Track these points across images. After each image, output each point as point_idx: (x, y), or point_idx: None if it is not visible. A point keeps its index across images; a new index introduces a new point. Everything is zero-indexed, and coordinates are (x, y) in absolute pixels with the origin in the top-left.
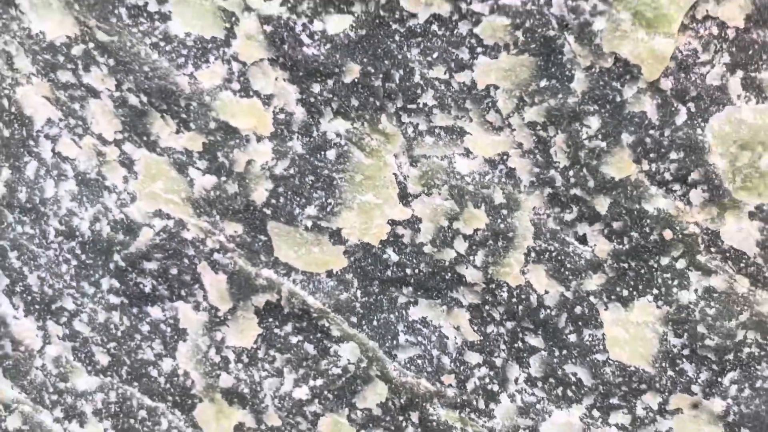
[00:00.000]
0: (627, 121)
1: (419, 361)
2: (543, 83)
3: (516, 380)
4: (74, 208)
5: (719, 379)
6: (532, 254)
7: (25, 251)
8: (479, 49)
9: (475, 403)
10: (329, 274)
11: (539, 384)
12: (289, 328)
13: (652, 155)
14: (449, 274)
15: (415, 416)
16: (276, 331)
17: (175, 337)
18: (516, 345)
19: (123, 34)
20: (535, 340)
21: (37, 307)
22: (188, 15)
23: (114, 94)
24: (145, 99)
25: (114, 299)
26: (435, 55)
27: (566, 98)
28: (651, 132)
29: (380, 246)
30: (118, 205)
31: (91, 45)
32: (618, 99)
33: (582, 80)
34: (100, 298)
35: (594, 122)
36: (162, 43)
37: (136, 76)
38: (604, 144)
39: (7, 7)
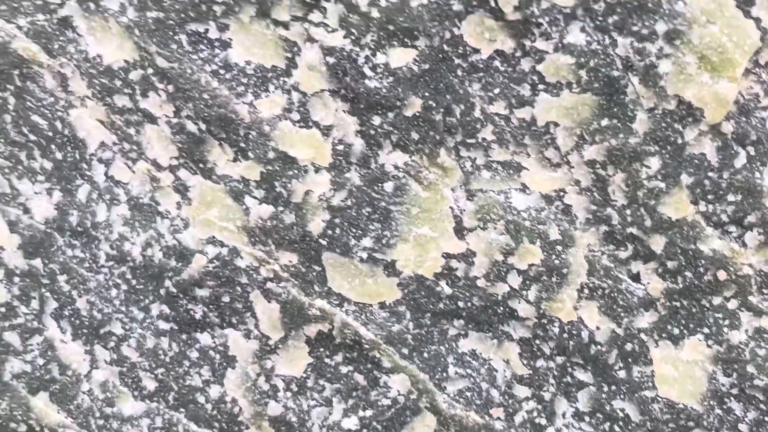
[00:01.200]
0: (687, 162)
1: (468, 394)
2: (604, 122)
3: (564, 414)
4: (126, 232)
5: (767, 419)
6: (585, 290)
7: (74, 275)
8: (541, 86)
9: None
10: (382, 305)
11: (587, 419)
12: (339, 358)
13: (710, 197)
14: (501, 308)
15: None
16: (326, 360)
17: (224, 364)
18: (565, 379)
19: (183, 60)
20: (584, 375)
21: (85, 331)
22: (249, 43)
23: (172, 120)
24: (203, 126)
25: (163, 325)
26: (496, 91)
27: (627, 138)
28: (710, 174)
29: (434, 278)
30: (170, 231)
31: (150, 71)
32: (679, 141)
33: (644, 121)
34: (149, 324)
35: (654, 163)
36: (222, 71)
37: (196, 103)
38: (663, 184)
39: (65, 29)
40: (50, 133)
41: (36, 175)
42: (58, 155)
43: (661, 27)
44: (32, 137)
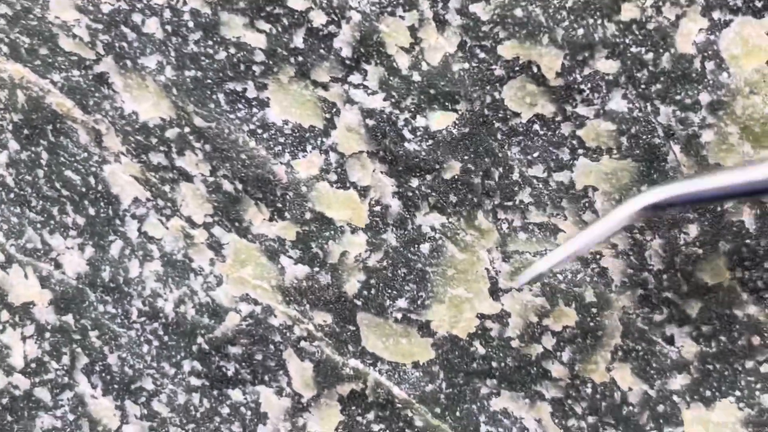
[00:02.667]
0: (725, 229)
1: None
2: (644, 189)
3: None
4: (159, 289)
5: None
6: (619, 352)
7: (106, 331)
8: (580, 151)
9: None
10: (415, 364)
11: None
12: (371, 416)
13: (746, 263)
14: (535, 369)
15: None
16: (358, 419)
17: (255, 420)
18: None
19: (221, 120)
20: None
21: (116, 386)
22: (287, 103)
23: (208, 179)
24: (240, 186)
25: (195, 381)
26: (535, 154)
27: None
28: (747, 241)
29: (468, 339)
30: (204, 288)
31: (187, 129)
32: (719, 208)
33: None
34: (180, 380)
35: (693, 230)
36: (260, 131)
37: (233, 163)
38: (701, 251)
39: (100, 85)
40: (83, 189)
41: (68, 230)
42: (91, 211)
43: (704, 97)
44: (65, 192)
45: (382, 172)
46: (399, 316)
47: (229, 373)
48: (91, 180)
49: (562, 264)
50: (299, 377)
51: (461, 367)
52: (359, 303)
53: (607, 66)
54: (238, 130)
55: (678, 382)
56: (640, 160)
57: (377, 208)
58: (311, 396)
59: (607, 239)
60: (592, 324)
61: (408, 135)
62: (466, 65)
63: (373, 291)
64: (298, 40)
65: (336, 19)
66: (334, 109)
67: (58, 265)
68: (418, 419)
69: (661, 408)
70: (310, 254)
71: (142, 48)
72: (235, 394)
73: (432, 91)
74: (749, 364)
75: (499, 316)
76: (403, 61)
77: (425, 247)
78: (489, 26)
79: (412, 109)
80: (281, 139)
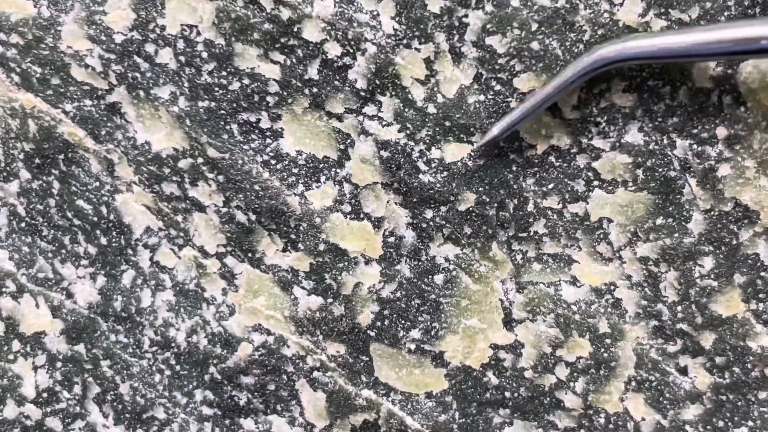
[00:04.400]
0: (740, 262)
1: None
2: (659, 221)
3: None
4: (171, 318)
5: None
6: (633, 383)
7: (118, 360)
8: (595, 183)
9: None
10: (429, 395)
11: None
12: None
13: (761, 296)
14: (548, 399)
15: None
16: None
17: None
18: None
19: (234, 151)
20: None
21: (127, 416)
22: (301, 134)
23: (221, 209)
24: (253, 217)
25: (207, 410)
26: (550, 186)
27: (682, 238)
28: (762, 273)
29: (481, 369)
30: (216, 318)
31: (201, 160)
32: (734, 241)
33: (700, 222)
34: (192, 409)
35: (708, 262)
36: (273, 161)
37: (247, 194)
38: (716, 283)
39: (113, 115)
40: (95, 218)
41: (80, 259)
42: (103, 240)
43: (721, 131)
44: (77, 222)
45: (396, 204)
46: (412, 346)
47: (242, 403)
48: (103, 209)
49: (520, 122)
50: (312, 407)
51: (474, 397)
52: (372, 334)
53: (623, 99)
54: (252, 160)
55: (691, 412)
56: (656, 193)
57: (391, 239)
58: (324, 426)
59: (562, 93)
60: (605, 354)
61: (423, 167)
62: (482, 97)
63: (386, 322)
64: (313, 72)
65: (351, 51)
66: (349, 141)
67: (69, 295)
68: None
69: None
70: (323, 285)
71: (155, 78)
72: (248, 424)
73: (447, 123)
74: (762, 394)
75: (512, 346)
76: (418, 93)
77: (439, 278)
78: (505, 59)
79: (427, 141)
80: (295, 170)
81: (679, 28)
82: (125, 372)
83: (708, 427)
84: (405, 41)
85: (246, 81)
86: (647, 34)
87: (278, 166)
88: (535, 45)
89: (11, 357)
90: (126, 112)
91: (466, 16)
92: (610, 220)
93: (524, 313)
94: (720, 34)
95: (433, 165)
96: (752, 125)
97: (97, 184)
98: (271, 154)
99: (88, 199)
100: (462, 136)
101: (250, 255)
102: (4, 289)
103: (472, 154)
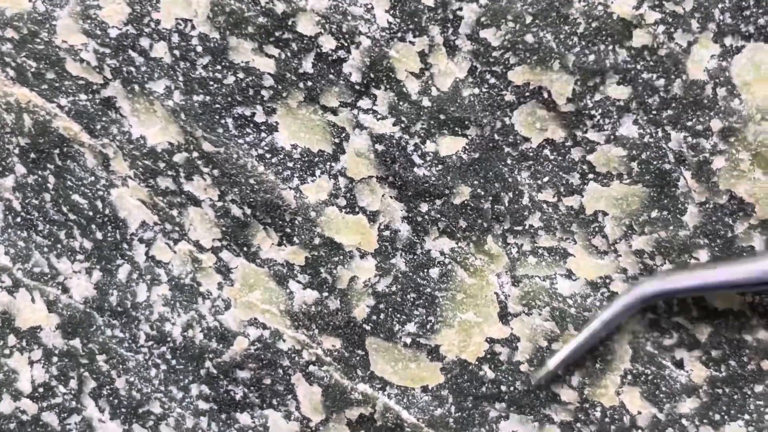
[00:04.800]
0: (736, 255)
1: None
2: (654, 214)
3: None
4: (167, 313)
5: None
6: (629, 376)
7: (113, 355)
8: (590, 176)
9: None
10: (425, 389)
11: None
12: None
13: None
14: (544, 393)
15: None
16: None
17: None
18: None
19: (229, 145)
20: None
21: (123, 410)
22: (295, 127)
23: (216, 203)
24: (248, 211)
25: (203, 405)
26: (545, 179)
27: (677, 231)
28: None
29: (477, 363)
30: (212, 312)
31: (196, 154)
32: (729, 234)
33: (695, 214)
34: (188, 403)
35: (703, 255)
36: (268, 155)
37: (242, 188)
38: None
39: (107, 109)
40: (90, 213)
41: (75, 254)
42: (98, 235)
43: (716, 124)
44: (72, 216)
45: (391, 197)
46: (408, 340)
47: (238, 397)
48: (99, 204)
49: (572, 359)
50: (308, 401)
51: (470, 391)
52: (368, 328)
53: (618, 92)
54: (247, 154)
55: (687, 405)
56: (651, 186)
57: (386, 233)
58: (320, 420)
59: (611, 329)
60: (601, 348)
61: (418, 160)
62: (477, 90)
63: (382, 316)
64: (308, 65)
65: (346, 44)
66: (343, 134)
67: (65, 289)
68: None
69: (670, 431)
70: (319, 279)
71: (150, 72)
72: (244, 418)
73: (442, 117)
74: (758, 388)
75: (508, 340)
76: (412, 87)
77: (435, 272)
78: (500, 52)
79: (422, 135)
80: (290, 164)
81: (715, 261)
82: (121, 366)
83: (704, 421)
84: (399, 34)
85: (241, 75)
86: (686, 269)
87: (273, 160)
88: (529, 38)
89: (7, 352)
90: (121, 106)
91: (461, 9)
92: (605, 213)
93: (520, 307)
94: (755, 268)
95: (428, 158)
96: (746, 118)
97: (93, 178)
98: (266, 148)
99: (83, 193)
100: (457, 129)
101: (245, 249)
102: None
103: (467, 147)
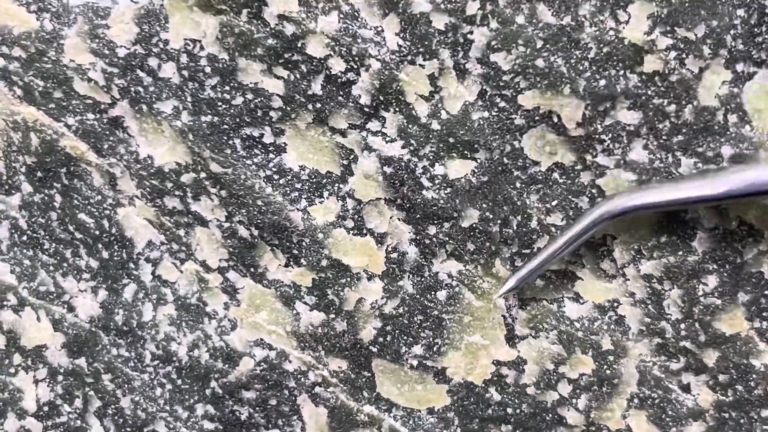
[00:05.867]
0: (744, 281)
1: None
2: (663, 239)
3: None
4: (172, 332)
5: None
6: (635, 400)
7: (119, 374)
8: (599, 200)
9: None
10: (431, 411)
11: None
12: None
13: (765, 314)
14: (550, 415)
15: None
16: None
17: None
18: None
19: (237, 166)
20: None
21: (128, 430)
22: (304, 149)
23: (223, 224)
24: (256, 233)
25: (208, 425)
26: (554, 203)
27: (686, 256)
28: (766, 292)
29: (483, 385)
30: (218, 332)
31: (203, 175)
32: (738, 260)
33: (704, 240)
34: (193, 423)
35: (712, 280)
36: (276, 176)
37: (250, 210)
38: (719, 302)
39: (115, 129)
40: (97, 232)
41: (81, 273)
42: (105, 254)
43: (726, 150)
44: (78, 235)
45: (399, 220)
46: (415, 362)
47: (243, 418)
48: (105, 223)
49: (532, 277)
50: (313, 423)
51: (476, 414)
52: (375, 349)
53: (628, 117)
54: (255, 175)
55: (694, 429)
56: (660, 211)
57: (394, 255)
58: None
59: (575, 249)
60: (608, 371)
61: (426, 183)
62: (486, 114)
63: (388, 338)
64: (317, 87)
65: (355, 66)
66: (352, 156)
67: (71, 308)
68: None
69: None
70: (325, 301)
71: (158, 93)
72: None
73: (451, 140)
74: (765, 412)
75: (515, 362)
76: (422, 109)
77: (442, 294)
78: (510, 76)
79: (431, 157)
80: (298, 185)
81: (684, 177)
82: (126, 386)
83: None
84: (409, 57)
85: (249, 96)
86: (654, 185)
87: (281, 181)
88: (540, 62)
89: (12, 370)
90: (129, 126)
91: (471, 32)
92: (613, 237)
93: (527, 330)
94: (716, 185)
95: (436, 181)
96: (757, 144)
97: (99, 197)
98: (274, 169)
99: (90, 212)
100: (466, 152)
101: (252, 270)
102: (5, 303)
103: (476, 170)
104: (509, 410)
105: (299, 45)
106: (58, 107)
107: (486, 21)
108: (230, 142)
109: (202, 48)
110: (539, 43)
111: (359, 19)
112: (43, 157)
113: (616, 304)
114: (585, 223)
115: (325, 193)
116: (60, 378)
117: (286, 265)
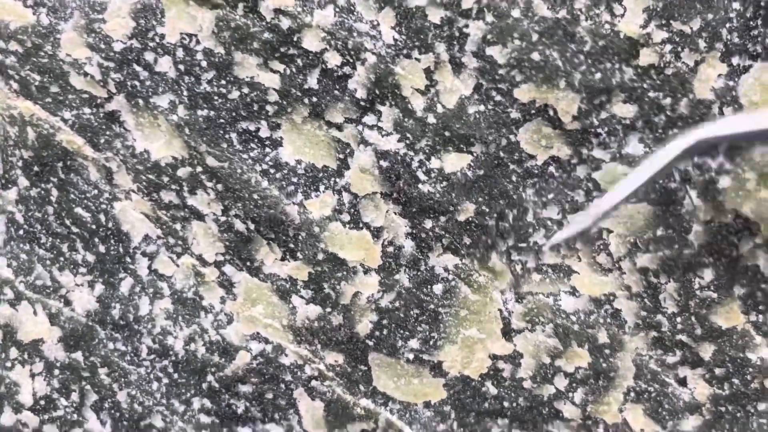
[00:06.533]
0: (740, 274)
1: None
2: (659, 232)
3: None
4: (169, 326)
5: None
6: (632, 393)
7: (115, 368)
8: (596, 193)
9: None
10: (427, 404)
11: None
12: None
13: (761, 307)
14: (547, 409)
15: None
16: None
17: None
18: None
19: (233, 160)
20: None
21: (125, 423)
22: (300, 143)
23: (220, 218)
24: (252, 226)
25: (205, 418)
26: (550, 196)
27: (682, 249)
28: (763, 285)
29: (480, 379)
30: (214, 326)
31: (199, 169)
32: (734, 253)
33: (700, 233)
34: (190, 417)
35: (708, 274)
36: (272, 170)
37: (246, 203)
38: (715, 295)
39: (111, 123)
40: (93, 226)
41: (78, 267)
42: (101, 248)
43: (722, 143)
44: (75, 229)
45: (395, 213)
46: (411, 356)
47: (239, 411)
48: (102, 217)
49: (600, 220)
50: (310, 416)
51: (473, 407)
52: (371, 343)
53: (624, 110)
54: (251, 169)
55: (690, 423)
56: (656, 204)
57: (390, 249)
58: None
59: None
60: (604, 365)
61: (422, 176)
62: (482, 108)
63: (385, 331)
64: (313, 81)
65: (351, 60)
66: (348, 150)
67: (67, 302)
68: None
69: None
70: (322, 294)
71: (155, 87)
72: None
73: (447, 134)
74: (762, 406)
75: (511, 356)
76: (418, 103)
77: (438, 288)
78: (506, 69)
79: (427, 151)
80: (294, 179)
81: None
82: (123, 380)
83: None
84: (405, 51)
85: (245, 90)
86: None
87: (277, 175)
88: (535, 56)
89: (9, 364)
90: (125, 120)
91: (467, 26)
92: (609, 231)
93: (523, 323)
94: None
95: (432, 175)
96: None
97: (96, 191)
98: (270, 163)
99: (86, 206)
100: (462, 146)
101: (248, 264)
102: (1, 297)
103: (472, 164)
104: (506, 404)
105: (295, 39)
106: (55, 102)
107: (481, 15)
108: (226, 136)
109: (198, 42)
110: (535, 37)
111: (355, 13)
112: (40, 152)
113: (612, 298)
114: (673, 153)
115: (321, 187)
116: (56, 372)
117: (283, 259)
